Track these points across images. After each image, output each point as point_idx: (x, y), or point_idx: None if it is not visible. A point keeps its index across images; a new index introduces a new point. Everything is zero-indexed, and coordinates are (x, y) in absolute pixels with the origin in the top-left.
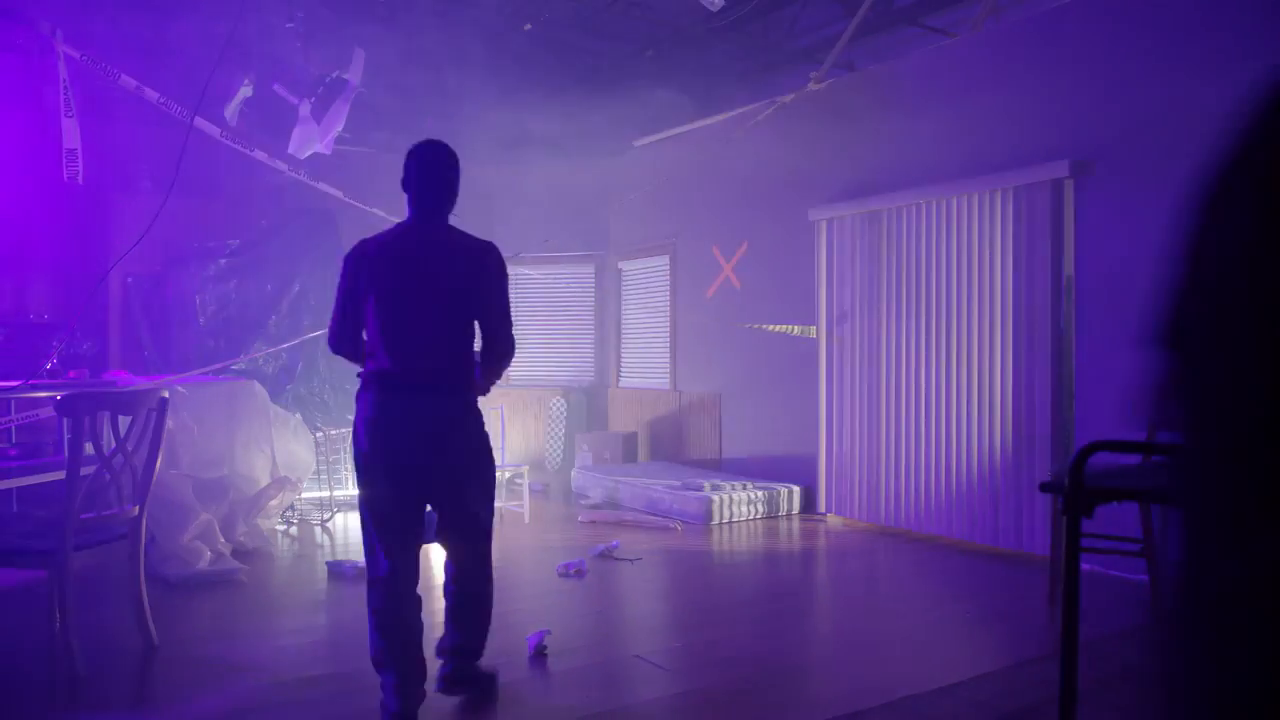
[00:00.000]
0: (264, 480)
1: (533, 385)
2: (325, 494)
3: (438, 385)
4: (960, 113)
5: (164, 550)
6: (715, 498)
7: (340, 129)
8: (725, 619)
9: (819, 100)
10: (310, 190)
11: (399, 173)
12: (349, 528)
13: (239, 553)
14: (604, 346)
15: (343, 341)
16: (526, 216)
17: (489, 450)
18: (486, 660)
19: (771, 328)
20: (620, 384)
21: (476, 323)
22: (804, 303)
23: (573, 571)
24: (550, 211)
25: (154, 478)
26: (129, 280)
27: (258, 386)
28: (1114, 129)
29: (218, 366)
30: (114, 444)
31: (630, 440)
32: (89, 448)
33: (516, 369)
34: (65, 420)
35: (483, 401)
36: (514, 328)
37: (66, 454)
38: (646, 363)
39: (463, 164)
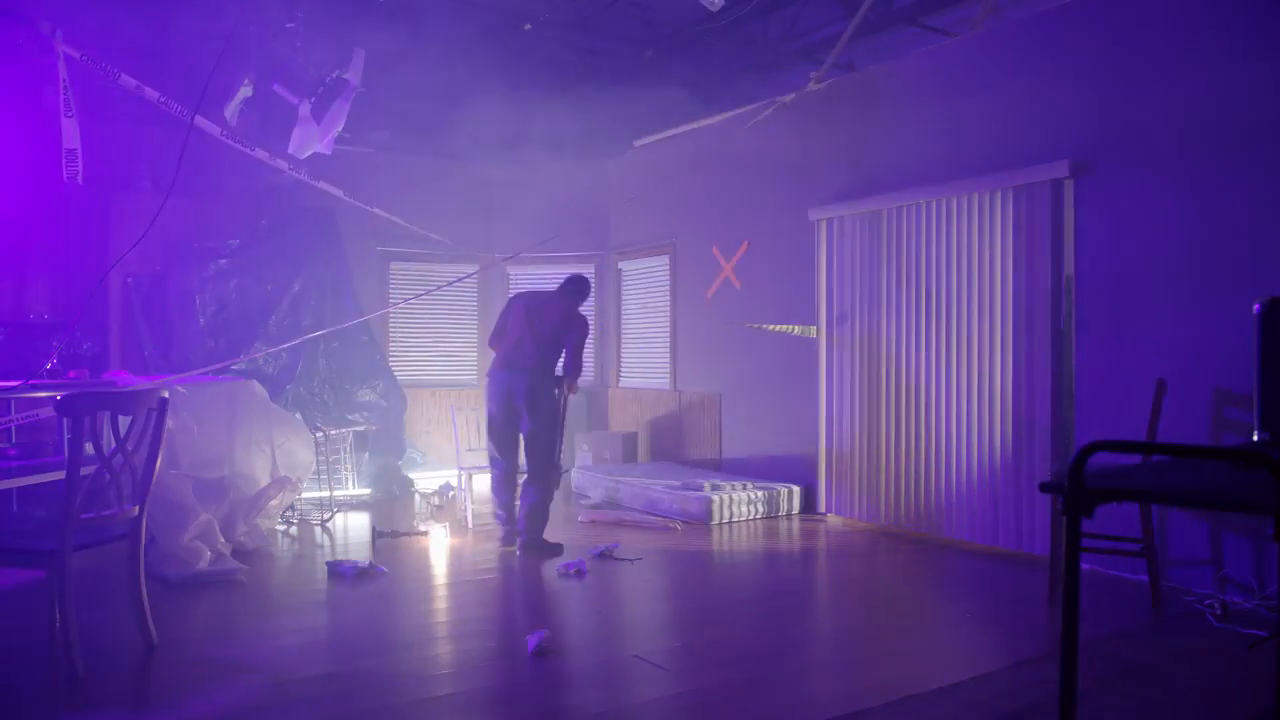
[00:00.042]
0: (264, 480)
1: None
2: (325, 494)
3: (520, 368)
4: (960, 112)
5: (164, 550)
6: (715, 498)
7: (340, 129)
8: (725, 619)
9: (819, 100)
10: (310, 190)
11: (399, 173)
12: (349, 528)
13: (239, 553)
14: (604, 346)
15: (491, 341)
16: (526, 215)
17: (548, 405)
18: (487, 660)
19: (771, 328)
20: (620, 384)
21: (564, 348)
22: (804, 303)
23: (573, 571)
24: (550, 211)
25: (154, 478)
26: (129, 280)
27: (258, 386)
28: (1113, 129)
29: (218, 366)
30: (114, 444)
31: (630, 440)
32: (89, 448)
33: None
34: (65, 420)
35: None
36: (583, 355)
37: (66, 454)
38: (646, 363)
39: (463, 163)
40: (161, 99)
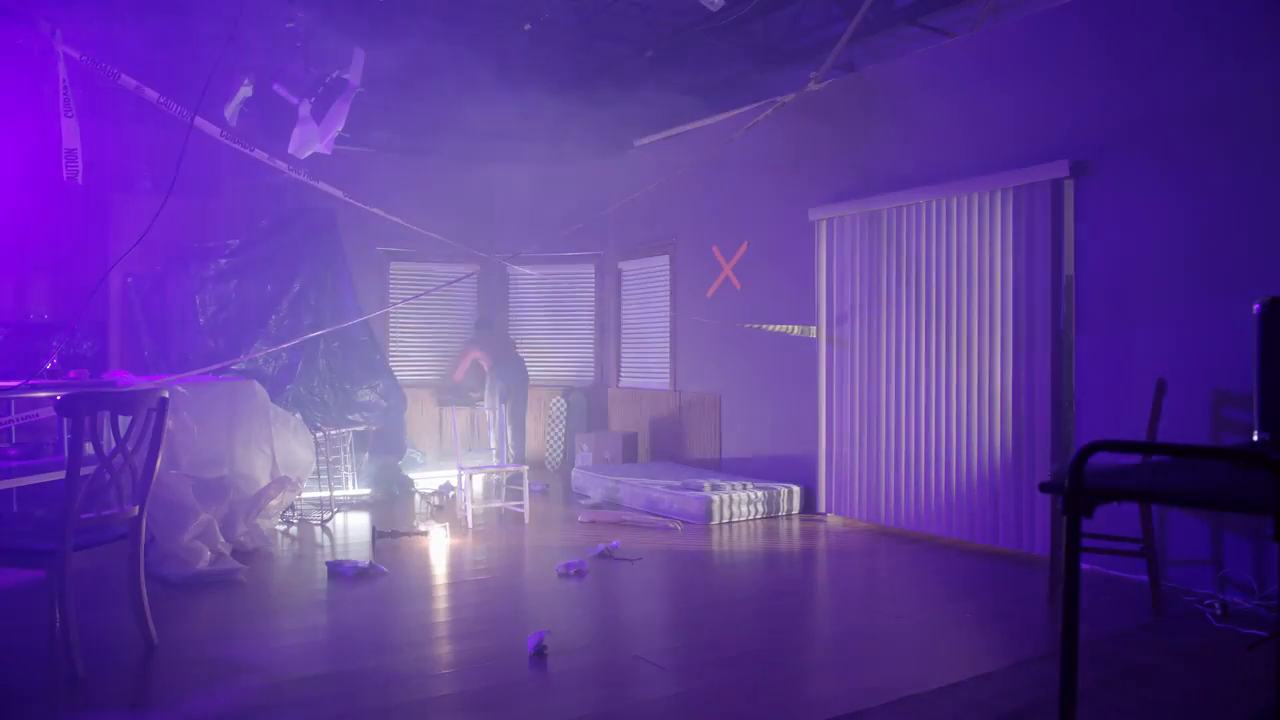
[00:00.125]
0: (264, 480)
1: (533, 385)
2: (325, 494)
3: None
4: (960, 113)
5: (164, 550)
6: (715, 498)
7: (340, 129)
8: (725, 619)
9: (819, 100)
10: (310, 190)
11: (399, 173)
12: (349, 528)
13: (239, 553)
14: (604, 346)
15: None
16: (526, 216)
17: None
18: (487, 660)
19: (771, 328)
20: (620, 384)
21: None
22: (804, 303)
23: (573, 571)
24: (550, 211)
25: (154, 478)
26: (129, 280)
27: (258, 386)
28: (1113, 129)
29: (218, 366)
30: (114, 444)
31: (630, 440)
32: (89, 448)
33: None
34: (65, 420)
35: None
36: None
37: (66, 454)
38: (646, 363)
39: (463, 164)
40: (161, 99)
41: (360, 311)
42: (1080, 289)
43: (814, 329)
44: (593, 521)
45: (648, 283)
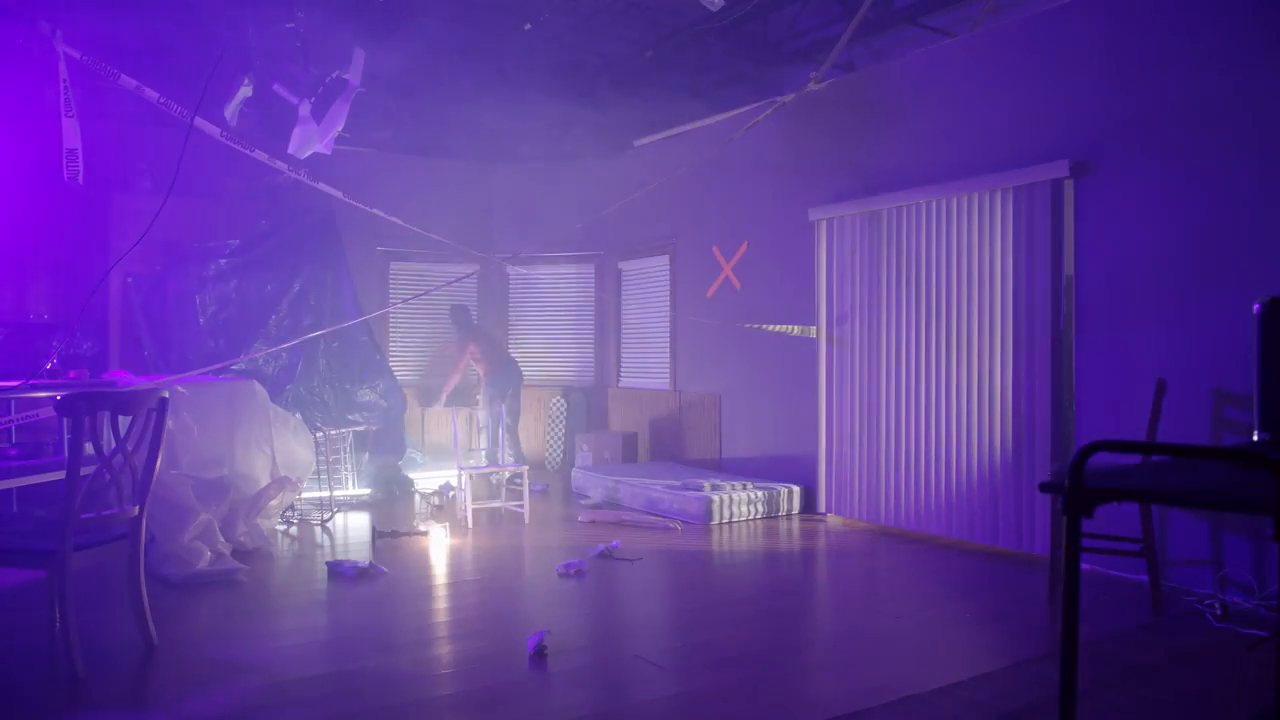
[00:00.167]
0: (264, 480)
1: (533, 385)
2: (325, 494)
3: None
4: (960, 113)
5: (164, 550)
6: (715, 498)
7: (340, 129)
8: (725, 619)
9: (819, 100)
10: (310, 190)
11: (399, 173)
12: (349, 528)
13: (239, 553)
14: (604, 346)
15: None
16: (526, 216)
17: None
18: (487, 660)
19: (771, 328)
20: (620, 384)
21: None
22: (804, 303)
23: (573, 571)
24: (549, 211)
25: (154, 478)
26: (129, 280)
27: (258, 386)
28: (1114, 129)
29: (218, 366)
30: (114, 444)
31: (630, 440)
32: (89, 448)
33: None
34: (65, 420)
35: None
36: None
37: (66, 454)
38: (646, 363)
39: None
40: (161, 99)
41: (360, 311)
42: (1080, 289)
43: (814, 329)
44: (593, 521)
45: (648, 283)
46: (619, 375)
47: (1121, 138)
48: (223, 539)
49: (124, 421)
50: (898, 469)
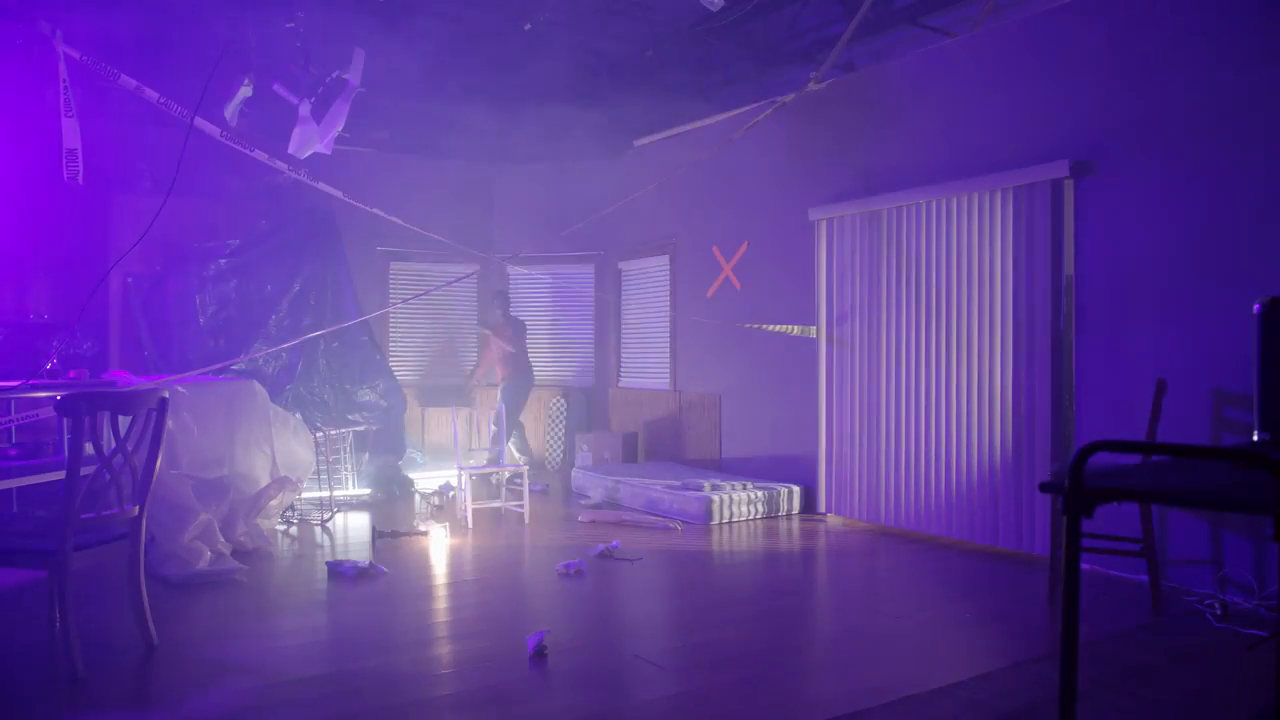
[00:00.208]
0: (264, 480)
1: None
2: (325, 494)
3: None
4: (960, 112)
5: (164, 550)
6: (715, 498)
7: (340, 129)
8: (725, 619)
9: (819, 100)
10: (310, 190)
11: (399, 173)
12: (349, 528)
13: (239, 553)
14: (604, 346)
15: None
16: (526, 216)
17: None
18: (487, 660)
19: (771, 328)
20: (620, 384)
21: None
22: (804, 303)
23: (573, 571)
24: (550, 211)
25: (154, 478)
26: (129, 280)
27: (258, 386)
28: (1113, 129)
29: (218, 366)
30: (114, 444)
31: (630, 440)
32: (89, 448)
33: None
34: (65, 420)
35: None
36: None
37: (66, 454)
38: (646, 363)
39: (463, 164)
40: (161, 99)
41: (360, 311)
42: (1080, 289)
43: (814, 329)
44: (593, 521)
45: (648, 283)
46: (619, 375)
47: (1121, 138)
48: (223, 539)
49: (124, 421)
50: (898, 469)
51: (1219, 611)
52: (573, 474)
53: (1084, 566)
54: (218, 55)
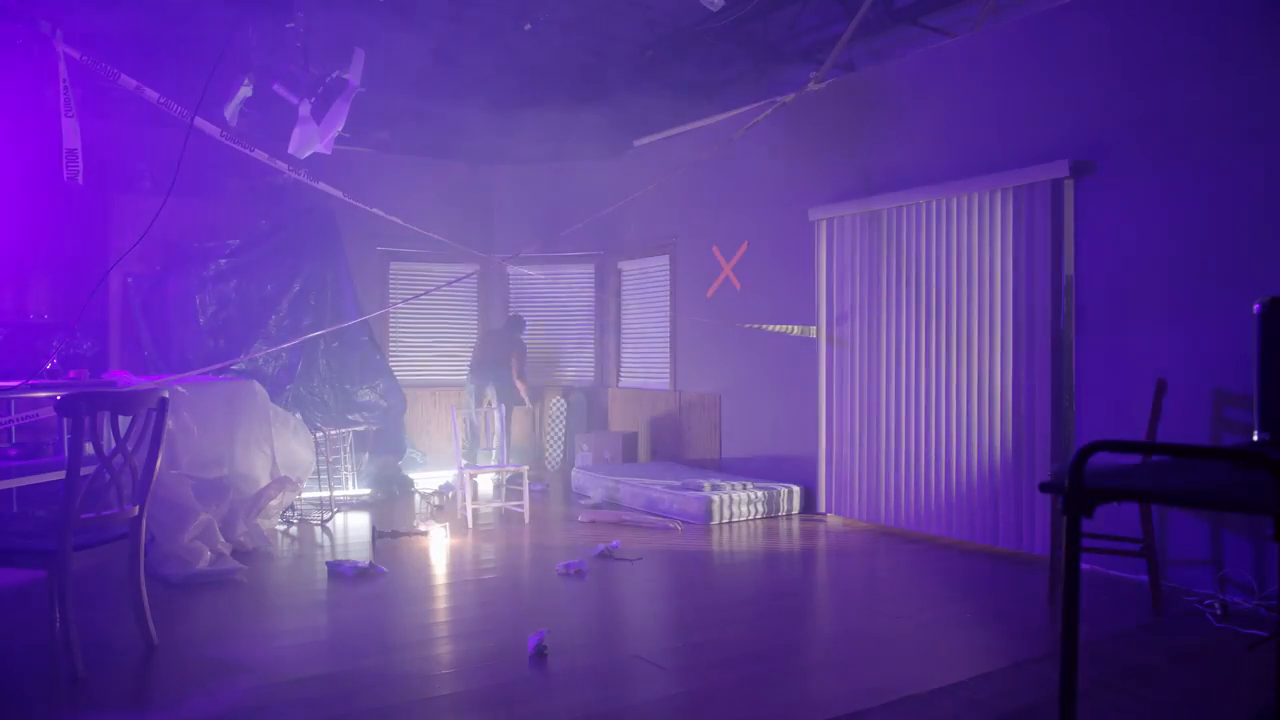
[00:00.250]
0: (264, 480)
1: (533, 385)
2: (325, 494)
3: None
4: (960, 113)
5: (164, 550)
6: (715, 498)
7: (340, 129)
8: (725, 619)
9: (819, 100)
10: (310, 190)
11: (399, 173)
12: (349, 528)
13: (239, 553)
14: (604, 346)
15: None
16: (527, 216)
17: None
18: (487, 660)
19: (771, 328)
20: (620, 384)
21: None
22: (804, 303)
23: (573, 571)
24: (550, 211)
25: (154, 478)
26: (129, 280)
27: (258, 386)
28: (1114, 129)
29: (218, 366)
30: (114, 444)
31: (630, 440)
32: (89, 448)
33: None
34: (65, 420)
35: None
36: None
37: (66, 454)
38: (646, 363)
39: (463, 164)
40: (161, 99)
41: (360, 311)
42: (1080, 289)
43: (814, 329)
44: (593, 521)
45: (648, 283)
46: (619, 375)
47: (1121, 138)
48: (223, 539)
49: (124, 421)
50: (898, 469)
51: (1219, 611)
52: (573, 474)
53: (1084, 566)
54: (218, 55)
